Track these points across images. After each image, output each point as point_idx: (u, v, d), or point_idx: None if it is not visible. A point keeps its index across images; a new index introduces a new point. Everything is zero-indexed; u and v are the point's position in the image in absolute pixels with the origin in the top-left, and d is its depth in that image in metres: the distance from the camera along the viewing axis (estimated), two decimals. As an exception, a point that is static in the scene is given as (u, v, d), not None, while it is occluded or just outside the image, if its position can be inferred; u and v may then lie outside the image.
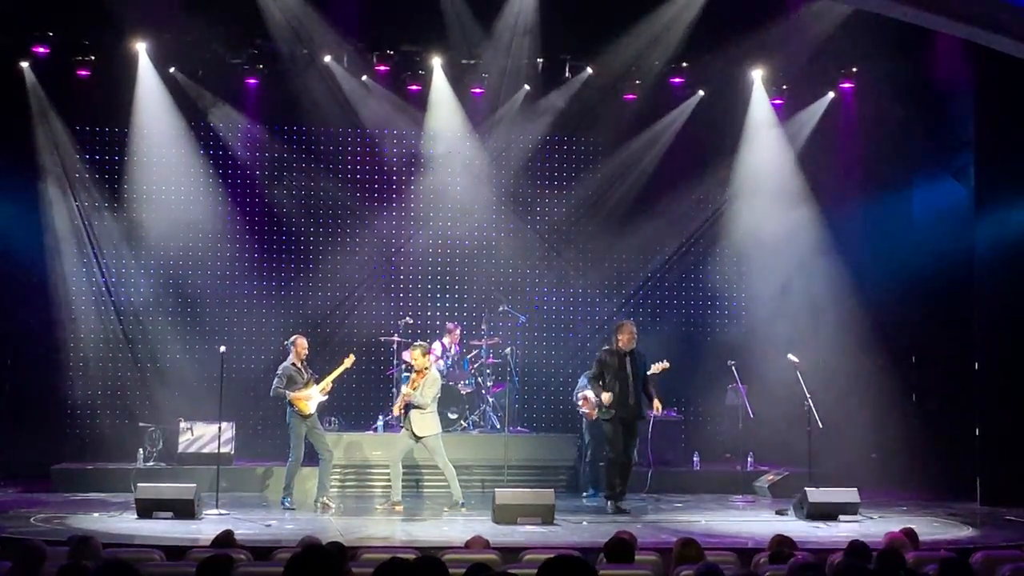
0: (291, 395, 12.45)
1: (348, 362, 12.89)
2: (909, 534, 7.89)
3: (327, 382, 12.72)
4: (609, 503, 12.51)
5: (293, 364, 12.63)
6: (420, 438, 12.39)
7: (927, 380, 15.22)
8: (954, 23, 10.41)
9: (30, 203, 15.00)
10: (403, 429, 12.60)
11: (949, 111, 14.84)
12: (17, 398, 14.72)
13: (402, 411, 12.49)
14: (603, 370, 12.54)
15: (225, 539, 7.87)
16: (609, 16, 14.75)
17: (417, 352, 12.51)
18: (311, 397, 12.55)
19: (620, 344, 12.52)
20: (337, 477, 13.65)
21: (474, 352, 15.24)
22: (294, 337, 12.88)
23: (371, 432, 14.54)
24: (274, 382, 12.58)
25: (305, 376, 12.63)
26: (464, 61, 15.41)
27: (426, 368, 12.48)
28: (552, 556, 4.46)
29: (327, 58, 15.20)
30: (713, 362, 15.18)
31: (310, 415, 12.55)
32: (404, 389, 12.62)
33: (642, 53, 15.23)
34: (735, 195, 16.37)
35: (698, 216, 16.58)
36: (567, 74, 15.59)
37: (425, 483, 13.77)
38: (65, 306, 15.21)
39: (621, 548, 6.95)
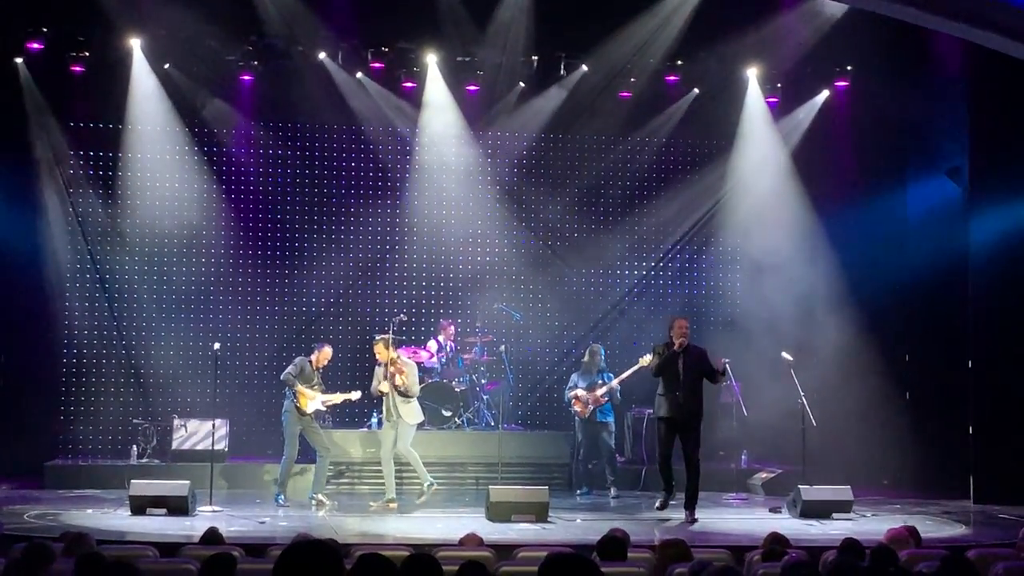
0: (299, 386, 12.53)
1: (353, 396, 12.99)
2: (912, 532, 7.90)
3: (329, 398, 12.88)
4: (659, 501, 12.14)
5: (310, 362, 12.78)
6: (402, 421, 12.37)
7: (920, 378, 15.24)
8: (949, 22, 10.42)
9: (24, 199, 14.92)
10: (385, 421, 12.59)
11: (943, 110, 14.85)
12: (10, 395, 14.66)
13: (384, 394, 12.43)
14: (659, 369, 11.95)
15: (212, 536, 7.86)
16: (604, 13, 14.73)
17: (380, 345, 12.52)
18: (314, 398, 12.67)
19: (672, 340, 11.97)
20: (330, 474, 13.62)
21: (469, 349, 15.22)
22: (323, 345, 13.09)
23: (364, 429, 14.52)
24: (288, 368, 12.75)
25: (315, 380, 12.76)
26: (459, 58, 15.37)
27: (396, 359, 12.43)
28: (552, 554, 4.43)
29: (322, 55, 15.15)
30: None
31: (307, 414, 12.62)
32: (384, 387, 12.36)
33: (637, 51, 15.21)
34: (729, 194, 16.37)
35: (692, 214, 16.55)
36: (562, 71, 15.53)
37: (415, 481, 13.73)
38: (59, 302, 15.16)
39: (614, 546, 6.95)
